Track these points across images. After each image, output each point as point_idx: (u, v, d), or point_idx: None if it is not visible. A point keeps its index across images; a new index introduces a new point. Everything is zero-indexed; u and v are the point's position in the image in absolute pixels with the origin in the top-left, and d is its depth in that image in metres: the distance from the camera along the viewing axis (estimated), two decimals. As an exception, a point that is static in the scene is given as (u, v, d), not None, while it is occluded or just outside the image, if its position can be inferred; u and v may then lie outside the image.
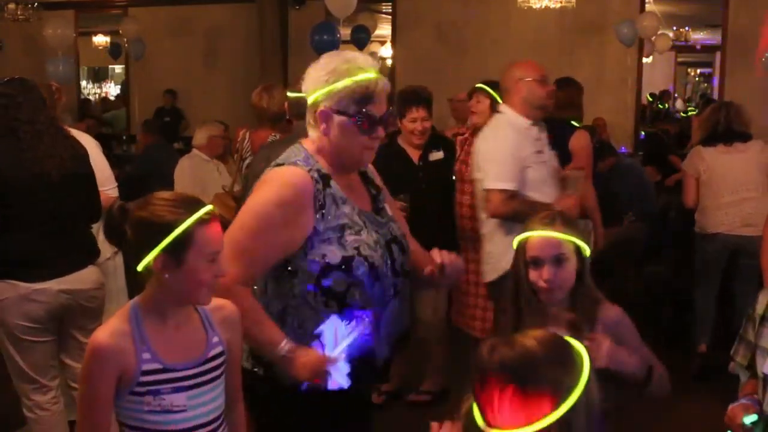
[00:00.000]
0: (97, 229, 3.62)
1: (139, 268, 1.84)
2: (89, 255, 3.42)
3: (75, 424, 1.95)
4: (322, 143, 2.19)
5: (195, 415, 1.87)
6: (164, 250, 1.79)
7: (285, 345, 2.05)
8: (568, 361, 1.34)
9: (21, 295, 3.19)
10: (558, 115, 5.05)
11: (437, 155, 4.42)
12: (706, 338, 4.97)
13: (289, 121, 4.27)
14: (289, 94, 4.01)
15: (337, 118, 2.13)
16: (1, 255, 3.19)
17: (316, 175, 2.15)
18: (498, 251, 3.58)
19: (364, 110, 2.12)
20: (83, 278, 3.34)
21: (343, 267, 2.12)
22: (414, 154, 4.42)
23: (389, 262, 2.21)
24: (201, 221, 1.81)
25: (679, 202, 5.43)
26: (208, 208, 1.84)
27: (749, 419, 2.16)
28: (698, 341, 4.99)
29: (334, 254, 2.11)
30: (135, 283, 1.92)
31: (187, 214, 1.80)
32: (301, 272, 2.13)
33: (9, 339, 3.25)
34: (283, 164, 2.19)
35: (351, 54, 2.19)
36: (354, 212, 2.19)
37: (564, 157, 4.87)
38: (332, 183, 2.18)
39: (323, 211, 2.13)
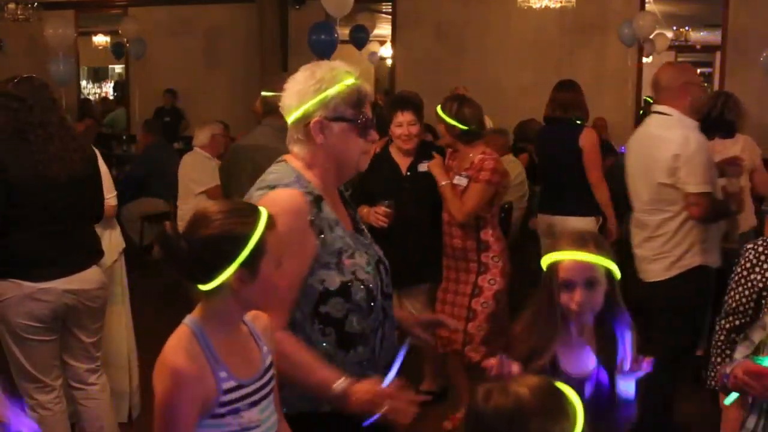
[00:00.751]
0: (101, 232, 3.63)
1: (211, 286, 1.74)
2: (93, 255, 3.43)
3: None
4: (314, 158, 2.12)
5: (266, 429, 1.84)
6: (241, 263, 1.72)
7: (340, 384, 1.97)
8: (559, 412, 1.42)
9: (25, 294, 3.19)
10: (565, 116, 5.10)
11: (426, 167, 4.17)
12: (702, 343, 4.96)
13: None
14: (264, 93, 3.93)
15: (336, 126, 2.09)
16: (7, 254, 3.20)
17: (310, 198, 2.08)
18: (680, 250, 3.72)
19: (360, 113, 2.11)
20: (87, 278, 3.35)
21: (342, 292, 2.06)
22: (403, 163, 4.25)
23: (379, 284, 2.16)
24: (269, 226, 1.76)
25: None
26: (268, 211, 1.78)
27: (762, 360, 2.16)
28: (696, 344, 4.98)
29: (332, 280, 2.05)
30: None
31: (255, 223, 1.74)
32: (300, 298, 2.05)
33: (12, 338, 3.26)
34: (275, 187, 2.08)
35: (331, 63, 2.17)
36: (345, 234, 2.14)
37: (573, 155, 5.00)
38: (323, 205, 2.11)
39: (322, 236, 2.07)
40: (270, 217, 1.77)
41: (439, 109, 4.10)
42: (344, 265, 2.08)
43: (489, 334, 4.00)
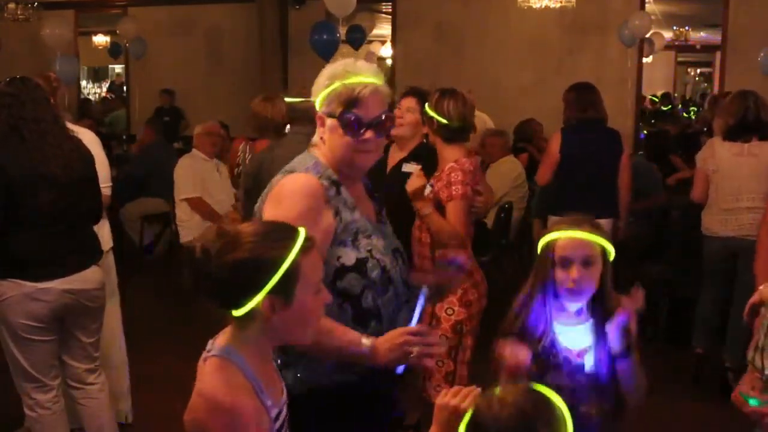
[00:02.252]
0: (98, 229, 3.63)
1: (241, 312, 1.65)
2: (92, 255, 3.43)
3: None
4: (325, 149, 2.22)
5: None
6: (272, 289, 1.63)
7: (365, 341, 2.04)
8: (557, 417, 1.55)
9: (25, 294, 3.19)
10: (598, 117, 5.10)
11: (411, 167, 3.66)
12: (703, 341, 4.95)
13: None
14: (287, 99, 3.91)
15: (329, 121, 2.17)
16: (6, 254, 3.19)
17: (326, 182, 2.16)
18: None
19: (347, 112, 2.14)
20: (87, 278, 3.34)
21: (358, 268, 2.13)
22: (392, 159, 3.88)
23: (398, 268, 2.24)
24: (305, 250, 1.66)
25: (680, 202, 5.42)
26: (306, 234, 1.69)
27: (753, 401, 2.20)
28: (696, 343, 4.97)
29: (348, 256, 2.13)
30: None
31: (289, 247, 1.64)
32: None
33: (12, 338, 3.26)
34: (293, 172, 2.18)
35: (354, 61, 2.21)
36: (363, 219, 2.21)
37: (613, 156, 5.06)
38: (342, 189, 2.20)
39: (339, 216, 2.15)
40: (307, 240, 1.67)
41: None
42: (360, 243, 2.16)
43: (454, 370, 3.48)
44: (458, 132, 3.53)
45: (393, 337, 2.06)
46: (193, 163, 6.13)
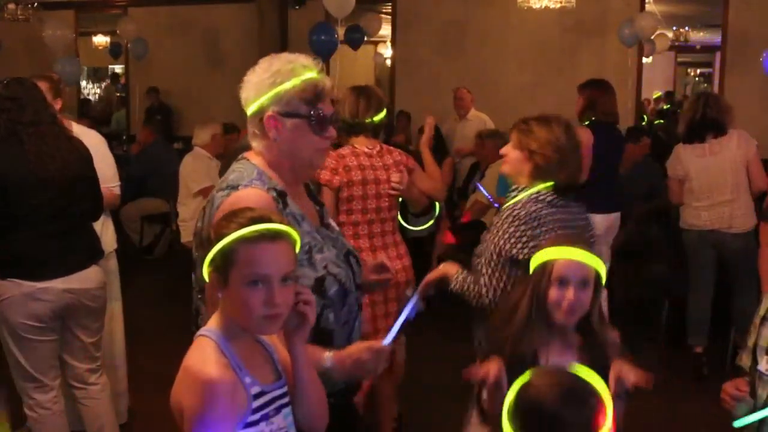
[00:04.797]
0: (100, 229, 3.63)
1: (204, 280, 1.79)
2: (93, 254, 3.43)
3: None
4: (271, 154, 2.07)
5: None
6: (213, 266, 1.72)
7: (328, 357, 1.96)
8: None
9: (25, 294, 3.19)
10: (606, 120, 5.18)
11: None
12: (700, 339, 4.97)
13: None
14: None
15: (289, 121, 2.03)
16: (6, 254, 3.20)
17: (274, 194, 2.03)
18: None
19: (315, 109, 2.04)
20: (87, 277, 3.35)
21: (317, 289, 2.01)
22: None
23: (351, 276, 2.14)
24: (251, 240, 1.68)
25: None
26: (260, 226, 1.70)
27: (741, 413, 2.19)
28: (693, 342, 5.00)
29: (307, 276, 2.00)
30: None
31: (234, 230, 1.69)
32: None
33: (12, 338, 3.26)
34: (237, 187, 2.01)
35: (292, 55, 2.10)
36: (312, 229, 2.10)
37: (619, 154, 5.35)
38: (289, 200, 2.06)
39: None
40: (256, 233, 1.68)
41: None
42: (315, 261, 2.03)
43: None
44: (345, 128, 3.60)
45: (356, 352, 1.97)
46: (196, 162, 6.20)
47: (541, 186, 2.71)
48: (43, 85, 3.41)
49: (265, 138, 2.07)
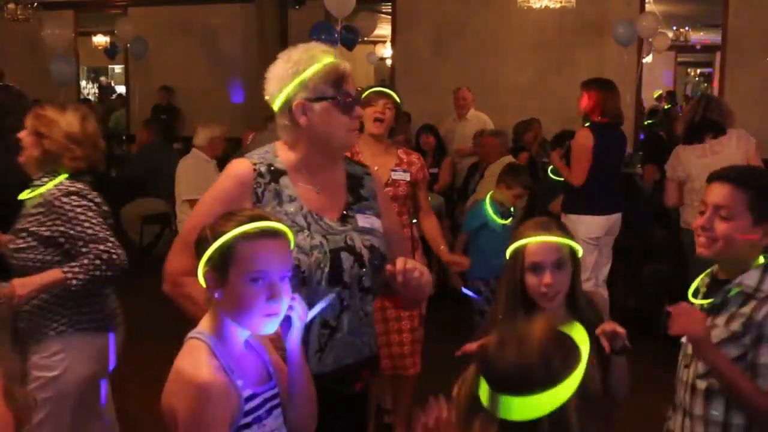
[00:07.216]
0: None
1: (199, 281, 1.78)
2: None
3: None
4: (298, 140, 2.13)
5: None
6: (210, 265, 1.71)
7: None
8: (572, 352, 1.43)
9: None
10: (612, 122, 5.23)
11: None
12: None
13: None
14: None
15: (317, 106, 2.08)
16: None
17: (263, 168, 2.10)
18: None
19: (340, 91, 2.09)
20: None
21: None
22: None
23: (328, 269, 2.06)
24: (245, 236, 1.69)
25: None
26: (261, 224, 1.71)
27: None
28: None
29: None
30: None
31: (231, 228, 1.71)
32: None
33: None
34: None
35: (307, 45, 2.15)
36: (299, 213, 2.09)
37: (622, 155, 5.45)
38: (284, 180, 2.10)
39: (259, 205, 2.06)
40: (257, 230, 1.70)
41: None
42: None
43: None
44: None
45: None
46: (194, 163, 6.13)
47: None
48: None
49: (295, 127, 2.12)
